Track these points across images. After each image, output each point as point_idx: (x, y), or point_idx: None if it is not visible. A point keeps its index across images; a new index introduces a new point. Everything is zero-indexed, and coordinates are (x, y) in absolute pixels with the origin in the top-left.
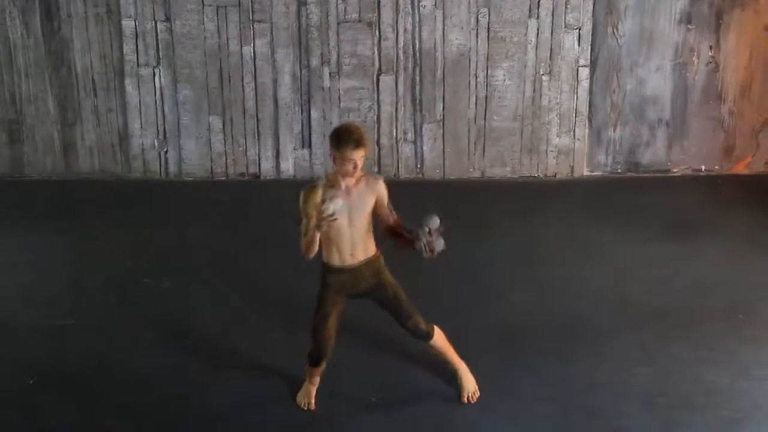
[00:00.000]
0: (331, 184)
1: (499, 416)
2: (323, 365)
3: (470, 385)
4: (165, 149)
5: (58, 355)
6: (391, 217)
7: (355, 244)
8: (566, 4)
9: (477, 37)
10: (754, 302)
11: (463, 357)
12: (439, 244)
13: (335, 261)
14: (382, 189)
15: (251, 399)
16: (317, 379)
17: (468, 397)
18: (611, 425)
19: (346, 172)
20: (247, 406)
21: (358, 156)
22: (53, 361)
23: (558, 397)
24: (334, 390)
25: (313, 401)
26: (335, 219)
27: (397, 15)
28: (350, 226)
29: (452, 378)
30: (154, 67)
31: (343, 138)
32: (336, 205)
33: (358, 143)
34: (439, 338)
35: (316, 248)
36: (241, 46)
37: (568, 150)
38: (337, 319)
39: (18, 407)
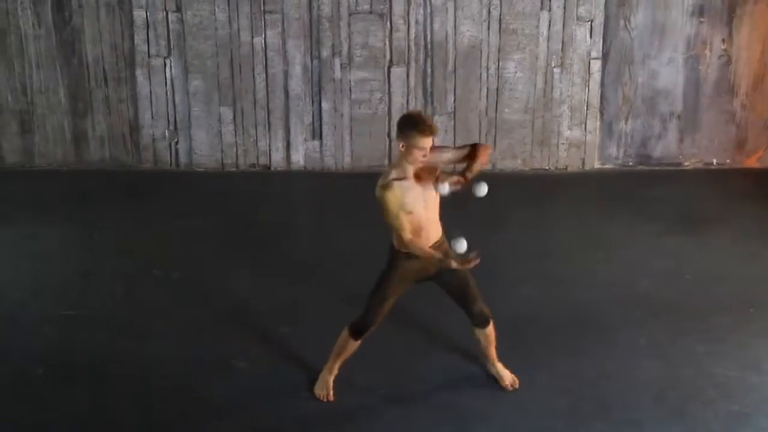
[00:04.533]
0: (402, 175)
1: (509, 408)
2: (359, 342)
3: (508, 374)
4: (175, 140)
5: (67, 344)
6: (451, 152)
7: (429, 227)
8: None
9: (489, 29)
10: (765, 295)
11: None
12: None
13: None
14: (433, 160)
15: (259, 389)
16: (336, 369)
17: (510, 384)
18: (621, 417)
19: (416, 160)
20: (255, 396)
21: (429, 144)
22: (62, 351)
23: (568, 389)
24: (343, 382)
25: (331, 392)
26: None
27: (409, 6)
28: (426, 210)
29: (488, 370)
30: (165, 57)
31: (418, 127)
32: (444, 190)
33: (431, 131)
34: (492, 328)
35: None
36: (252, 37)
37: (579, 142)
38: (394, 303)
39: (27, 396)
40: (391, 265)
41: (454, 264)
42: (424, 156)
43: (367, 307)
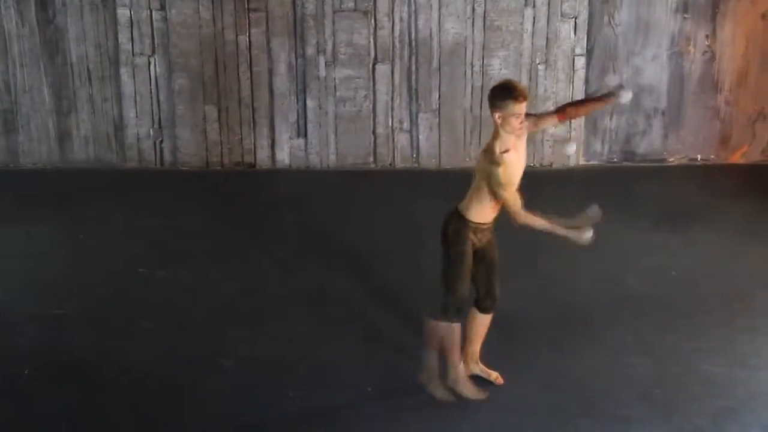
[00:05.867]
0: (506, 147)
1: (495, 405)
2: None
3: (492, 371)
4: (160, 139)
5: (54, 344)
6: (549, 116)
7: None
8: None
9: (473, 26)
10: (751, 292)
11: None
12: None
13: (487, 218)
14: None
15: (246, 388)
16: (459, 361)
17: (496, 379)
18: (608, 414)
19: (514, 128)
20: (242, 395)
21: (524, 110)
22: (49, 351)
23: (555, 387)
24: (331, 381)
25: (475, 388)
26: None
27: (393, 4)
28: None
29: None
30: (150, 56)
31: (512, 94)
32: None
33: (525, 96)
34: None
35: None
36: (237, 35)
37: (564, 139)
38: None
39: (13, 396)
40: (459, 237)
41: (582, 239)
42: (521, 123)
43: (452, 286)
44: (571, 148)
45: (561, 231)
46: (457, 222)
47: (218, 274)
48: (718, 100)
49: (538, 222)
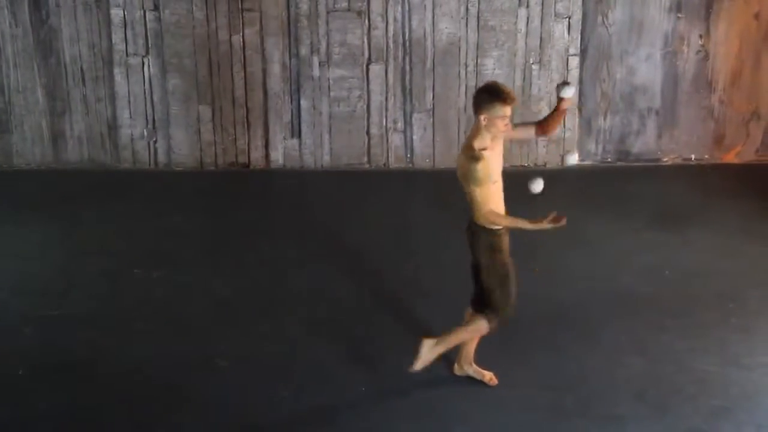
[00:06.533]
0: (485, 146)
1: (490, 404)
2: None
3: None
4: (154, 139)
5: (48, 344)
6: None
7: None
8: None
9: (467, 26)
10: (745, 291)
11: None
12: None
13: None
14: (504, 133)
15: (241, 388)
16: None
17: (490, 379)
18: (602, 414)
19: (499, 129)
20: (237, 394)
21: (510, 112)
22: (43, 351)
23: (549, 386)
24: (324, 381)
25: (488, 372)
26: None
27: (387, 4)
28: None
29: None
30: (143, 56)
31: (500, 97)
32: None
33: (512, 99)
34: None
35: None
36: (231, 35)
37: (558, 139)
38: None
39: (8, 397)
40: (492, 247)
41: (546, 224)
42: (506, 125)
43: (500, 295)
44: (573, 158)
45: (524, 224)
46: (482, 234)
47: (213, 275)
48: (712, 99)
49: (501, 219)
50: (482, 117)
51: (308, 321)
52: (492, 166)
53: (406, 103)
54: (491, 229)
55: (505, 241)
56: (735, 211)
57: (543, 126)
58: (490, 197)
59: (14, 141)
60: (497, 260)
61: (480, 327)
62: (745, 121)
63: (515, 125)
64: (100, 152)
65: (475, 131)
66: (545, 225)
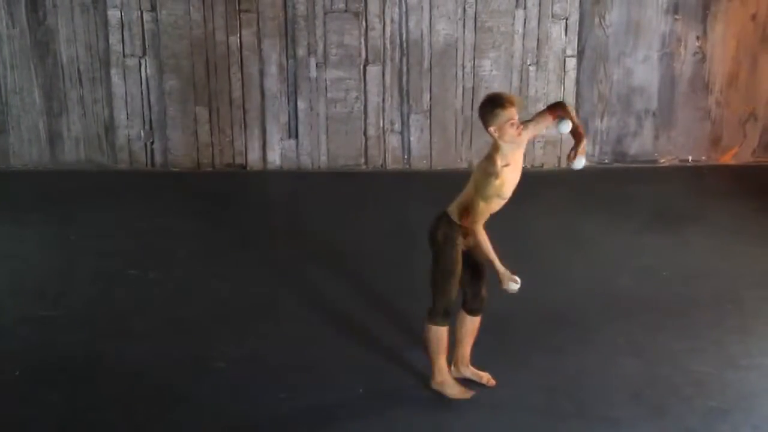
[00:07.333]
0: (506, 162)
1: (486, 405)
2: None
3: (484, 373)
4: (151, 140)
5: (45, 345)
6: (533, 125)
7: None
8: None
9: (464, 27)
10: (742, 292)
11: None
12: None
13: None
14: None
15: (238, 389)
16: (445, 364)
17: (487, 381)
18: (599, 415)
19: (513, 135)
20: (234, 396)
21: (515, 114)
22: (39, 352)
23: (546, 387)
24: (322, 381)
25: (462, 388)
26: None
27: (384, 5)
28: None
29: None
30: (140, 57)
31: (499, 104)
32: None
33: (511, 101)
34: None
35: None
36: (228, 36)
37: (555, 140)
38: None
39: (4, 399)
40: (448, 240)
41: (504, 276)
42: (518, 128)
43: (439, 289)
44: (580, 163)
45: (498, 264)
46: (446, 225)
47: (209, 276)
48: (709, 101)
49: (485, 243)
50: (492, 129)
51: (305, 322)
52: (507, 183)
53: (403, 104)
54: (457, 223)
55: (467, 241)
56: (732, 212)
57: (552, 110)
58: (488, 212)
59: (11, 141)
60: (446, 254)
61: (433, 333)
62: (741, 123)
63: (526, 122)
64: (97, 153)
65: (494, 147)
66: (504, 276)
